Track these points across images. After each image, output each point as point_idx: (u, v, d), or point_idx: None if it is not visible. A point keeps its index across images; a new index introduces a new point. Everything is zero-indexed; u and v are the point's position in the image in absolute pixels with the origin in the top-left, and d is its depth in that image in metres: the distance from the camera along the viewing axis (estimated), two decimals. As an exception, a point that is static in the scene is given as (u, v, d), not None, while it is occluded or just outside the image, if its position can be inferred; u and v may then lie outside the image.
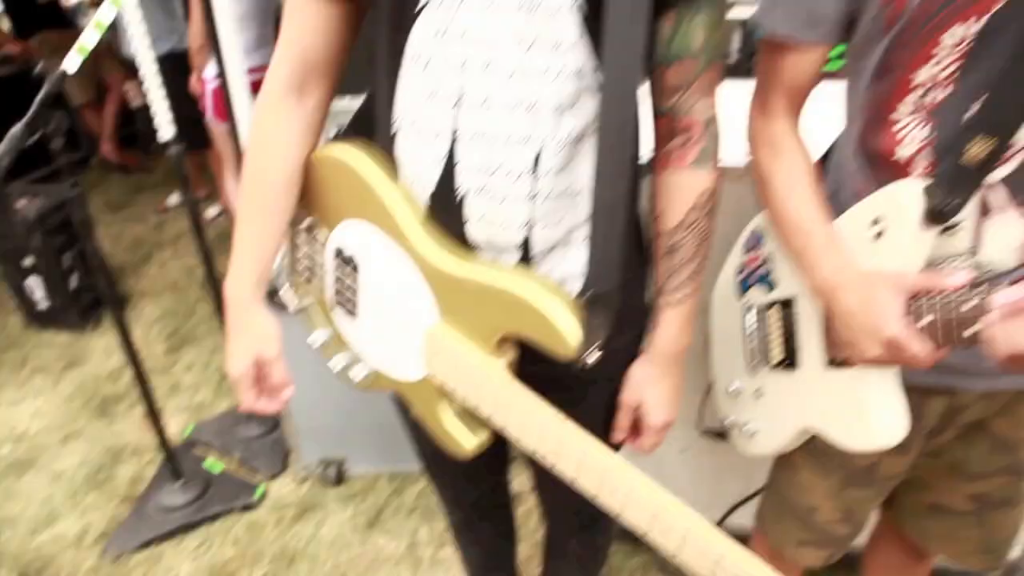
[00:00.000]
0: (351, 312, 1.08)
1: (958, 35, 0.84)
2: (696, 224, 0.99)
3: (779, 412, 1.16)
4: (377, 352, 1.08)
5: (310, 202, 1.07)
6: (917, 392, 1.02)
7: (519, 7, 0.84)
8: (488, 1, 0.84)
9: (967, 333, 0.81)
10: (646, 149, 1.01)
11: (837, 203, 1.01)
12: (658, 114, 0.98)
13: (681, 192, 0.98)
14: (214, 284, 2.42)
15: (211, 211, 4.36)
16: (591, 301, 0.90)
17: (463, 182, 0.91)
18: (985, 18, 0.82)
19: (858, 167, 1.00)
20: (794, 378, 1.11)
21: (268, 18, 2.93)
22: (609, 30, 0.82)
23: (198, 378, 2.90)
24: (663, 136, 0.99)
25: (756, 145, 1.06)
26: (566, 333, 0.86)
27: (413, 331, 1.00)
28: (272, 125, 1.01)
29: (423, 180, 0.94)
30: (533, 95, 0.86)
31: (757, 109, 1.05)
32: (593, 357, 0.90)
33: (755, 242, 1.15)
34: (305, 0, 0.95)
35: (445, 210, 0.94)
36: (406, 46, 0.90)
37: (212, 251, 2.37)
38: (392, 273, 0.99)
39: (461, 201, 0.92)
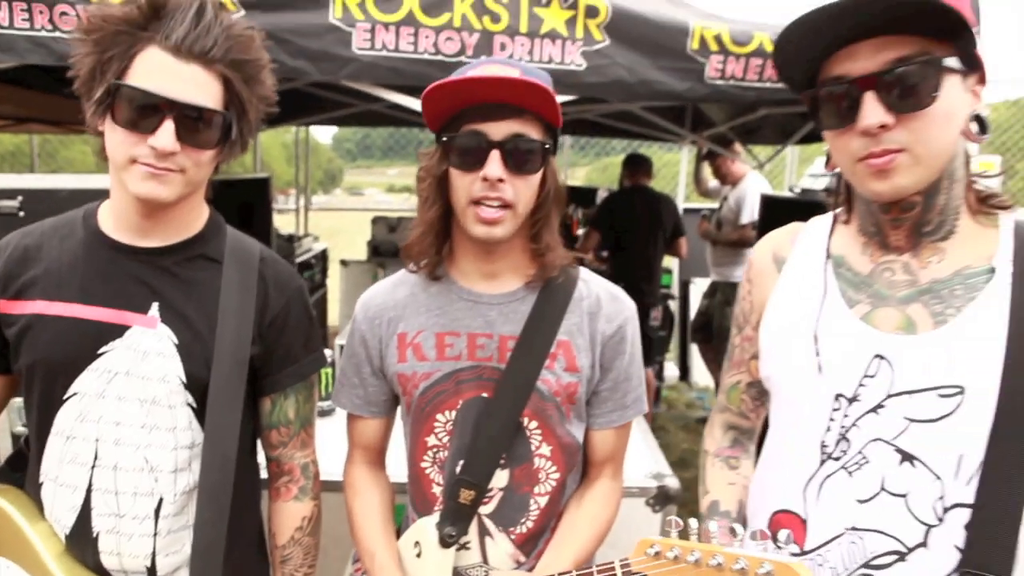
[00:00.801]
0: None
1: (443, 418, 1.34)
2: (300, 540, 1.39)
3: None
4: None
5: None
6: None
7: (143, 401, 1.22)
8: (118, 396, 1.21)
9: None
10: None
11: None
12: (268, 460, 1.42)
13: (287, 517, 1.39)
14: None
15: None
16: None
17: (97, 524, 1.22)
18: (455, 411, 1.33)
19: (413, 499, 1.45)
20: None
21: None
22: (210, 418, 1.23)
23: None
24: (273, 476, 1.42)
25: (344, 486, 1.46)
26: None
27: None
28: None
29: (63, 522, 1.24)
30: (154, 462, 1.23)
31: (347, 460, 1.48)
32: None
33: (357, 556, 1.48)
34: None
35: (81, 545, 1.24)
36: (53, 423, 1.22)
37: None
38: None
39: (96, 537, 1.23)
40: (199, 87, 1.13)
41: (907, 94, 0.96)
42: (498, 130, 1.20)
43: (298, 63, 2.13)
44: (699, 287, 5.62)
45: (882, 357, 1.06)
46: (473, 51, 2.21)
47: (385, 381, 1.39)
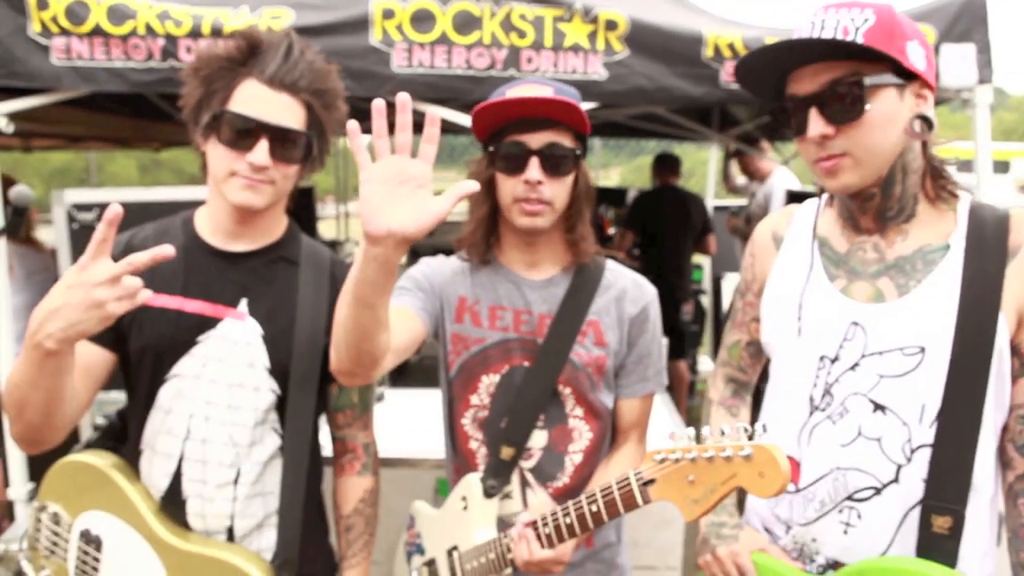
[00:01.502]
0: None
1: (487, 380, 1.53)
2: (363, 511, 1.57)
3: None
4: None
5: (58, 495, 1.49)
6: None
7: (231, 384, 1.41)
8: (211, 379, 1.40)
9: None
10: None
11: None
12: (335, 439, 1.59)
13: (352, 490, 1.57)
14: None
15: None
16: (279, 567, 1.42)
17: (187, 489, 1.41)
18: (499, 375, 1.52)
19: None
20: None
21: None
22: (291, 402, 1.43)
23: None
24: (339, 453, 1.59)
25: None
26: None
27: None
28: None
29: (158, 485, 1.43)
30: (236, 437, 1.41)
31: None
32: None
33: (411, 522, 1.69)
34: (84, 343, 1.33)
35: (173, 507, 1.42)
36: (156, 399, 1.42)
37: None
38: (130, 551, 1.42)
39: (185, 501, 1.41)
40: (288, 112, 1.34)
41: (841, 108, 1.16)
42: (536, 140, 1.42)
43: (342, 82, 2.33)
44: (731, 282, 5.69)
45: (857, 323, 1.25)
46: (503, 65, 2.39)
47: (436, 304, 1.55)
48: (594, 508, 1.26)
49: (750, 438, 1.05)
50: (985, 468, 1.19)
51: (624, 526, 1.66)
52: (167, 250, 1.11)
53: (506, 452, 1.50)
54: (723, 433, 1.07)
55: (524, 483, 1.54)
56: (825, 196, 1.37)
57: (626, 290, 1.56)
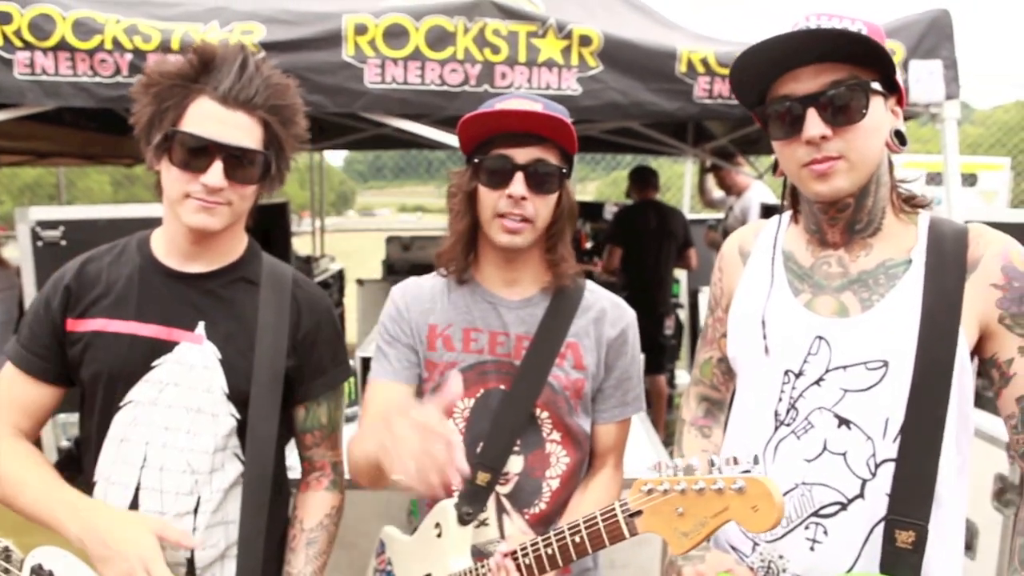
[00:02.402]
0: None
1: (461, 405, 1.48)
2: (328, 527, 1.52)
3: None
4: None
5: (9, 528, 1.41)
6: None
7: (188, 409, 1.37)
8: (168, 404, 1.37)
9: None
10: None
11: None
12: (302, 459, 1.57)
13: (318, 504, 1.53)
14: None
15: None
16: None
17: None
18: (473, 399, 1.48)
19: None
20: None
21: (7, 330, 3.29)
22: (251, 424, 1.39)
23: None
24: (306, 472, 1.57)
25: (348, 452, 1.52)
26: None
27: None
28: (16, 449, 1.40)
29: None
30: (195, 464, 1.37)
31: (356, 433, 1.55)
32: None
33: (381, 547, 1.62)
34: (28, 379, 1.40)
35: None
36: (109, 427, 1.38)
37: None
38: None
39: None
40: (243, 131, 1.30)
41: (841, 110, 1.15)
42: (522, 155, 1.39)
43: (315, 97, 2.31)
44: (707, 295, 5.71)
45: (821, 338, 1.24)
46: (476, 81, 2.38)
47: (417, 358, 1.54)
48: (577, 539, 1.22)
49: (744, 471, 1.03)
50: (948, 480, 1.18)
51: None
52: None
53: (482, 477, 1.45)
54: (713, 464, 1.05)
55: (501, 509, 1.49)
56: (788, 212, 1.37)
57: (605, 311, 1.52)
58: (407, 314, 1.54)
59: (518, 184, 1.38)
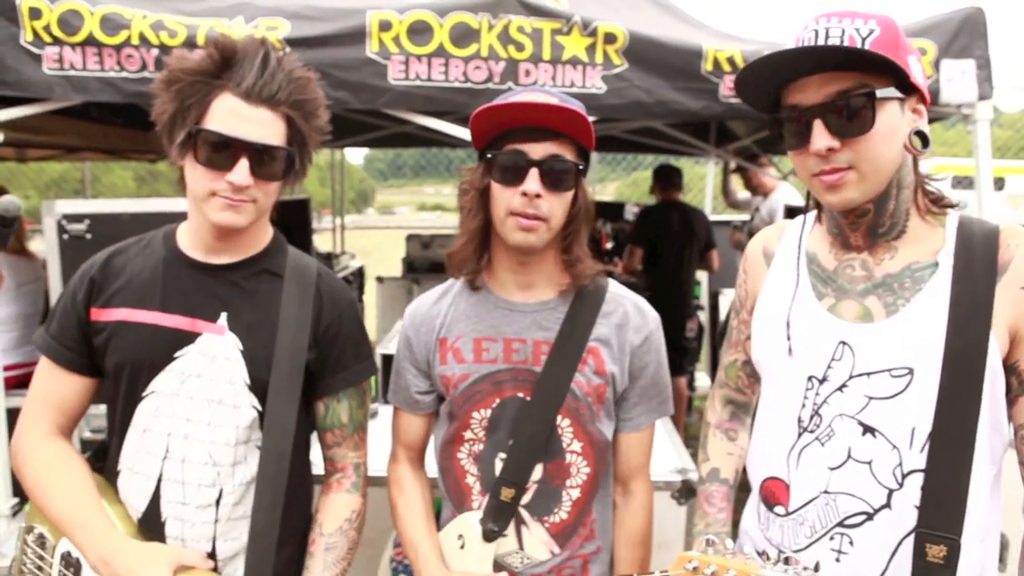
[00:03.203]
0: None
1: (479, 416, 1.46)
2: (347, 532, 1.48)
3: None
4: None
5: (44, 517, 1.42)
6: None
7: (210, 401, 1.36)
8: (190, 395, 1.36)
9: None
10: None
11: None
12: (325, 458, 1.54)
13: (339, 507, 1.49)
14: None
15: None
16: None
17: (165, 511, 1.37)
18: (490, 409, 1.45)
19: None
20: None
21: (33, 322, 3.23)
22: (269, 415, 1.37)
23: None
24: (328, 472, 1.54)
25: (388, 483, 1.58)
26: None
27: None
28: (55, 456, 1.40)
29: (137, 507, 1.39)
30: (216, 456, 1.37)
31: (391, 458, 1.60)
32: None
33: (397, 541, 1.60)
34: (58, 371, 1.41)
35: (151, 529, 1.38)
36: (133, 417, 1.38)
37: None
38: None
39: (164, 522, 1.37)
40: (267, 127, 1.29)
41: (849, 121, 1.12)
42: (537, 150, 1.34)
43: (339, 94, 2.31)
44: (728, 298, 5.68)
45: (845, 343, 1.21)
46: (500, 78, 2.37)
47: (430, 381, 1.52)
48: None
49: (803, 570, 0.96)
50: (980, 492, 1.15)
51: None
52: None
53: (506, 493, 1.42)
54: (766, 556, 0.99)
55: (519, 521, 1.46)
56: (813, 212, 1.34)
57: (628, 316, 1.47)
58: (416, 339, 1.52)
59: (532, 181, 1.33)
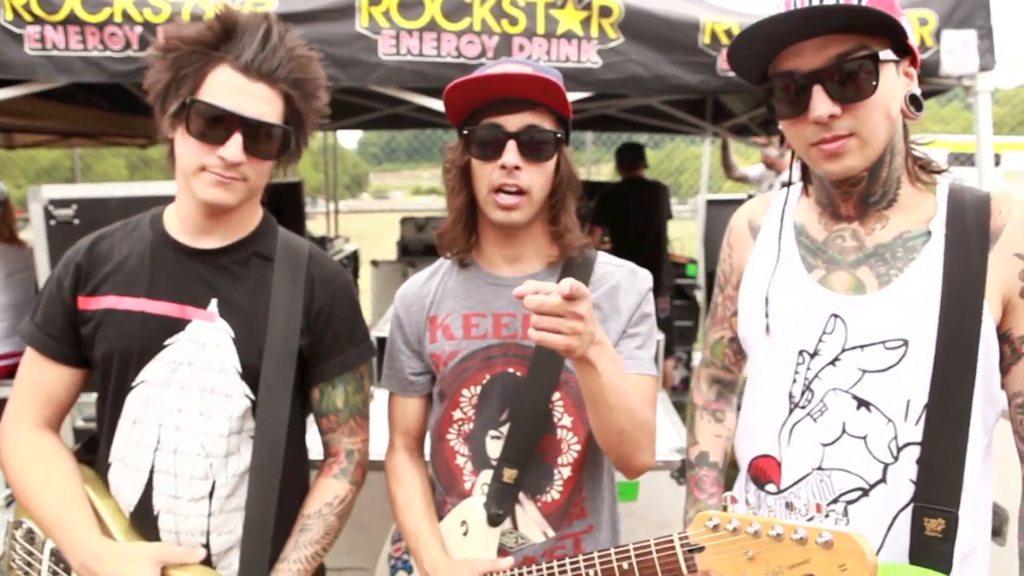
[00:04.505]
0: None
1: (468, 393, 1.42)
2: (326, 516, 1.43)
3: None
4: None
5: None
6: None
7: (202, 390, 1.33)
8: (181, 385, 1.33)
9: None
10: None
11: None
12: (323, 443, 1.52)
13: (322, 491, 1.46)
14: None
15: None
16: None
17: (157, 503, 1.34)
18: (479, 386, 1.42)
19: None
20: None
21: (24, 311, 3.15)
22: (261, 404, 1.34)
23: None
24: (324, 455, 1.51)
25: (386, 473, 1.53)
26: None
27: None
28: (39, 450, 1.37)
29: (128, 500, 1.36)
30: (209, 447, 1.33)
31: (388, 448, 1.55)
32: None
33: (397, 535, 1.56)
34: (45, 362, 1.38)
35: (143, 523, 1.35)
36: (123, 408, 1.35)
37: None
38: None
39: (156, 516, 1.34)
40: (264, 104, 1.25)
41: (850, 86, 1.08)
42: (513, 122, 1.31)
43: (328, 71, 2.24)
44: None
45: (837, 316, 1.19)
46: (493, 53, 2.32)
47: (423, 362, 1.50)
48: (625, 565, 1.13)
49: (826, 518, 0.93)
50: (975, 464, 1.13)
51: (620, 531, 1.57)
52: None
53: (508, 474, 1.38)
54: (790, 507, 0.97)
55: (514, 500, 1.42)
56: (798, 184, 1.31)
57: (620, 282, 1.45)
58: (407, 318, 1.49)
59: (510, 153, 1.30)
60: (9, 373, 3.23)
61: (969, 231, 1.13)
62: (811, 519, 0.94)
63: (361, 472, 1.51)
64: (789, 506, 0.97)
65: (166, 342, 1.33)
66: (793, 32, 1.09)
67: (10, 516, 1.48)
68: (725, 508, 1.02)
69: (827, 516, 0.94)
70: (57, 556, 1.36)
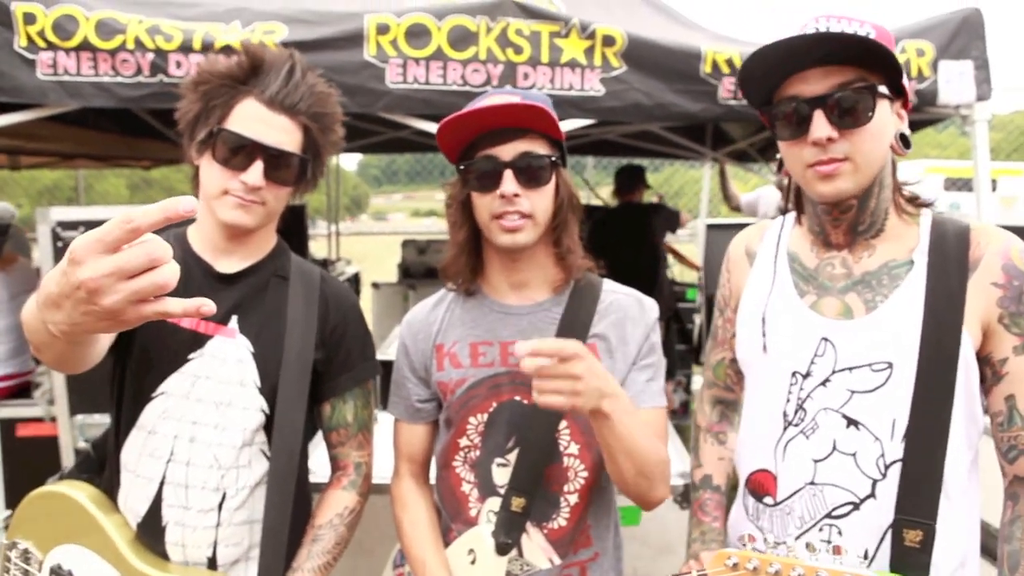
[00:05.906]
0: None
1: (475, 421, 1.44)
2: (336, 526, 1.48)
3: None
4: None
5: (28, 530, 1.43)
6: None
7: (219, 404, 1.37)
8: (199, 398, 1.36)
9: None
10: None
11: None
12: (330, 458, 1.56)
13: (333, 502, 1.51)
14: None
15: None
16: None
17: (166, 515, 1.35)
18: (486, 414, 1.43)
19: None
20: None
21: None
22: (279, 415, 1.38)
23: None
24: (332, 471, 1.56)
25: (392, 500, 1.54)
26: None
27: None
28: None
29: (136, 511, 1.37)
30: (222, 459, 1.36)
31: (393, 475, 1.56)
32: None
33: (399, 559, 1.57)
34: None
35: (150, 534, 1.36)
36: (138, 418, 1.37)
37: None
38: (103, 584, 1.35)
39: (164, 528, 1.36)
40: (285, 134, 1.34)
41: (848, 112, 1.16)
42: (507, 151, 1.34)
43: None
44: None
45: (827, 339, 1.25)
46: (498, 81, 2.36)
47: (430, 389, 1.51)
48: None
49: (851, 567, 0.94)
50: (958, 480, 1.19)
51: (623, 556, 1.58)
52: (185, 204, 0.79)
53: (516, 503, 1.39)
54: (810, 547, 0.98)
55: (521, 528, 1.42)
56: (793, 213, 1.39)
57: (627, 312, 1.46)
58: (413, 346, 1.51)
59: (508, 182, 1.33)
60: (11, 394, 3.23)
61: (950, 261, 1.20)
62: (834, 560, 0.95)
63: (367, 485, 1.56)
64: (809, 547, 0.99)
65: (190, 356, 1.37)
66: (802, 56, 1.16)
67: (2, 539, 1.48)
68: (744, 545, 1.03)
69: (847, 560, 0.96)
70: (58, 572, 1.38)
